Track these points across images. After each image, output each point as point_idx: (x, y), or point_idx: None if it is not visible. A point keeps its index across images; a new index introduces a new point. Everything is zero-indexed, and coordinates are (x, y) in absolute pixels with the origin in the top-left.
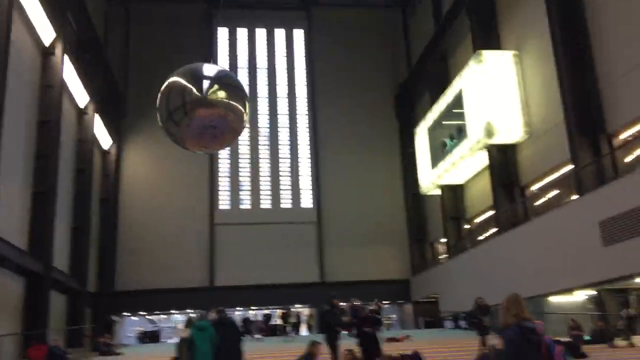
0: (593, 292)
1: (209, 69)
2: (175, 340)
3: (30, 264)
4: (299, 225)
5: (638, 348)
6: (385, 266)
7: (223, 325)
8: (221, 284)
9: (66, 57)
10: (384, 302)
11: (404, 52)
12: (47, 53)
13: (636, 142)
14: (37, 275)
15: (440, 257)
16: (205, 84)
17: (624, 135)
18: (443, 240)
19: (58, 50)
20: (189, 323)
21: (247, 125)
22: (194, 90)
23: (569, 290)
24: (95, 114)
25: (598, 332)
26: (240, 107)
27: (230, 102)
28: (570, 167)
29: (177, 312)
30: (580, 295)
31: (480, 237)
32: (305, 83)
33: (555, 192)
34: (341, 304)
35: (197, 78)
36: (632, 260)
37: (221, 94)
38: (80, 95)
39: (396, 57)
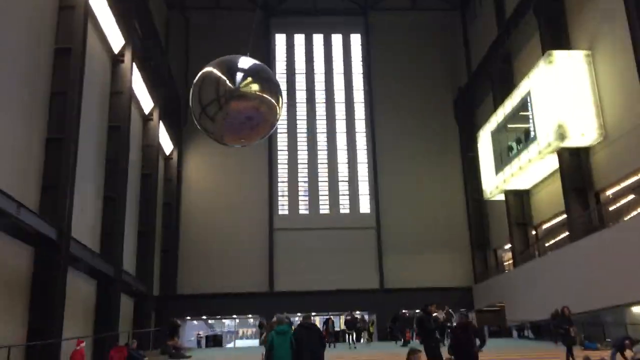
0: None
1: (242, 62)
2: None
3: (102, 267)
4: (357, 230)
5: None
6: (446, 273)
7: (307, 329)
8: (280, 289)
9: (134, 64)
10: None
11: (464, 55)
12: (116, 60)
13: None
14: (108, 278)
15: (504, 264)
16: (239, 76)
17: None
18: (507, 247)
19: (127, 57)
20: (269, 327)
21: (280, 117)
22: (228, 82)
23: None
24: (160, 120)
25: None
26: (273, 100)
27: (264, 95)
28: None
29: (237, 316)
30: None
31: (549, 244)
32: (363, 88)
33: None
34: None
35: (229, 70)
36: None
37: (255, 87)
38: (145, 102)
39: (455, 60)
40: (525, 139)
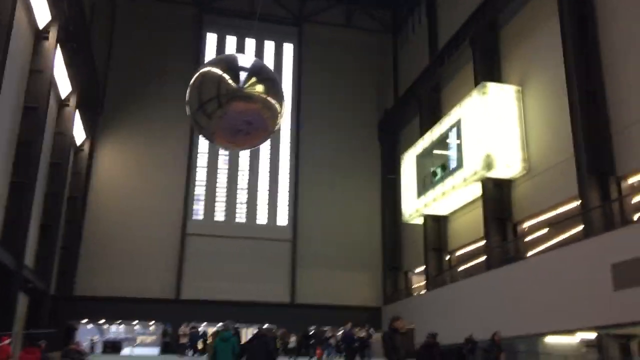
0: (592, 336)
1: (244, 60)
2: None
3: (2, 257)
4: (273, 242)
5: None
6: (357, 292)
7: (258, 339)
8: (188, 297)
9: (58, 43)
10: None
11: (392, 77)
12: (40, 36)
13: None
14: (7, 271)
15: (413, 287)
16: (242, 75)
17: (632, 180)
18: (418, 270)
19: (52, 34)
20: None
21: (280, 125)
22: (231, 81)
23: (571, 332)
24: (76, 107)
25: None
26: (277, 105)
27: (268, 98)
28: (568, 206)
29: (138, 322)
30: (575, 338)
31: (461, 269)
32: (291, 98)
33: (549, 229)
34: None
35: (233, 69)
36: None
37: (259, 88)
38: (63, 86)
39: (384, 82)
40: (450, 166)
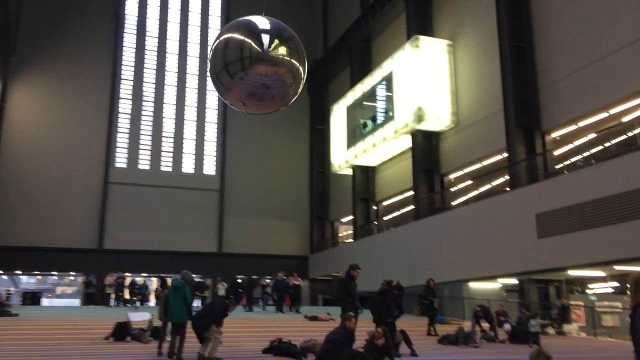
0: (515, 281)
1: (267, 23)
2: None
3: None
4: (200, 191)
5: (572, 336)
6: (285, 241)
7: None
8: (111, 247)
9: None
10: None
11: (321, 27)
12: None
13: (572, 140)
14: None
15: (340, 236)
16: (266, 38)
17: (556, 134)
18: (345, 219)
19: None
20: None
21: (298, 94)
22: (255, 45)
23: (495, 277)
24: None
25: (524, 319)
26: (302, 70)
27: (292, 61)
28: (494, 159)
29: (58, 273)
30: (496, 284)
31: (388, 218)
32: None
33: (477, 181)
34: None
35: (256, 32)
36: (565, 253)
37: (282, 50)
38: None
39: (313, 32)
40: (382, 117)
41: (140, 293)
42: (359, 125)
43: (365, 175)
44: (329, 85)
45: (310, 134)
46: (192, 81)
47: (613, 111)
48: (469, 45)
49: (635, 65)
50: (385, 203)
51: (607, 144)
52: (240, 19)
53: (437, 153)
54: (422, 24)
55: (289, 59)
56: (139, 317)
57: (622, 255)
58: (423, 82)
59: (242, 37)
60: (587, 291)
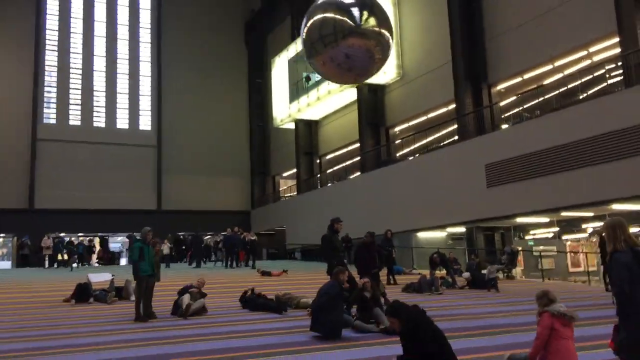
0: (461, 230)
1: None
2: None
3: None
4: (136, 147)
5: (520, 280)
6: (226, 197)
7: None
8: (43, 207)
9: None
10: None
11: None
12: None
13: (517, 92)
14: None
15: (281, 190)
16: (356, 12)
17: (503, 86)
18: (286, 174)
19: None
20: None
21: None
22: (348, 20)
23: (445, 226)
24: None
25: (474, 265)
26: (391, 42)
27: (381, 31)
28: (438, 112)
29: None
30: (442, 233)
31: (330, 171)
32: None
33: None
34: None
35: (347, 8)
36: (513, 201)
37: (371, 22)
38: None
39: None
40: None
41: (76, 252)
42: (301, 79)
43: (308, 128)
44: (268, 37)
45: (249, 87)
46: (122, 32)
47: (557, 64)
48: None
49: (577, 18)
50: (328, 157)
51: (550, 96)
52: None
53: (382, 106)
54: None
55: (377, 30)
56: (100, 277)
57: (565, 203)
58: None
59: (333, 14)
60: (527, 237)
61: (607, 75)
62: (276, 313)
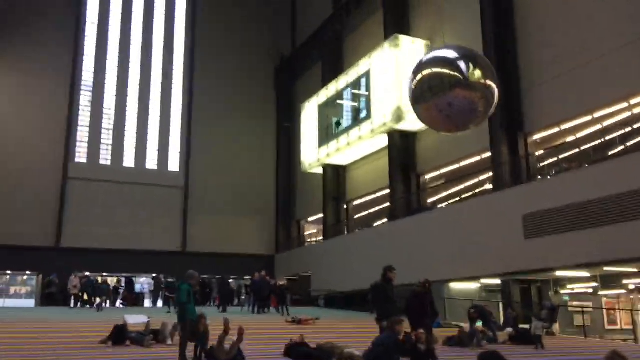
0: (496, 281)
1: (464, 51)
2: None
3: None
4: (163, 188)
5: (560, 337)
6: (251, 240)
7: None
8: (69, 245)
9: None
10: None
11: (290, 24)
12: None
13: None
14: None
15: (306, 234)
16: (463, 65)
17: (539, 136)
18: (312, 219)
19: None
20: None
21: (488, 115)
22: (455, 73)
23: (479, 278)
24: None
25: (511, 319)
26: (495, 93)
27: (487, 83)
28: (470, 160)
29: (11, 272)
30: (475, 284)
31: (359, 217)
32: (185, 39)
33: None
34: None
35: (454, 62)
36: (551, 254)
37: (477, 74)
38: None
39: (281, 28)
40: (356, 116)
41: (101, 294)
42: (331, 124)
43: (336, 174)
44: (298, 82)
45: (277, 132)
46: (156, 74)
47: (597, 115)
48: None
49: (618, 71)
50: (356, 203)
51: (588, 146)
52: (440, 51)
53: (414, 153)
54: (399, 22)
55: (483, 82)
56: (136, 319)
57: (605, 257)
58: (401, 82)
59: (441, 69)
60: (563, 291)
61: None
62: None
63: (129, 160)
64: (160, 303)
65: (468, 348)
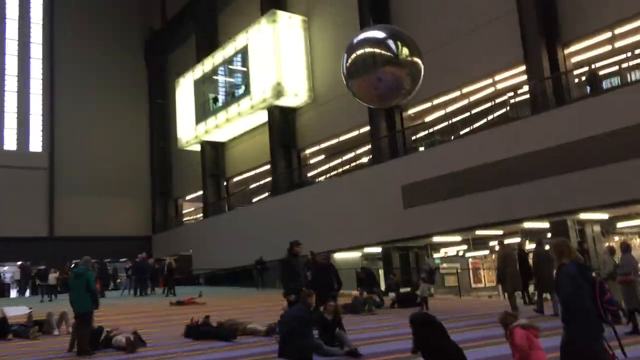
0: (378, 250)
1: (385, 30)
2: None
3: None
4: (25, 170)
5: (436, 298)
6: (126, 221)
7: None
8: None
9: None
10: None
11: None
12: None
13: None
14: None
15: (184, 213)
16: (392, 44)
17: (412, 111)
18: (190, 197)
19: None
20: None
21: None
22: (384, 52)
23: (363, 247)
24: None
25: (394, 284)
26: (422, 71)
27: (414, 60)
28: (350, 135)
29: None
30: (357, 253)
31: (239, 192)
32: (42, 11)
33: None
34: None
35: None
36: (429, 221)
37: (405, 51)
38: None
39: (149, 2)
40: (234, 92)
41: None
42: (208, 100)
43: (215, 150)
44: (170, 57)
45: (149, 108)
46: (12, 48)
47: (465, 90)
48: (325, 20)
49: (486, 47)
50: (237, 179)
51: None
52: (367, 31)
53: (294, 128)
54: None
55: (411, 59)
56: (16, 311)
57: (476, 222)
58: (280, 58)
59: (372, 48)
60: (436, 255)
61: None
62: (225, 341)
63: None
64: (27, 292)
65: (360, 314)
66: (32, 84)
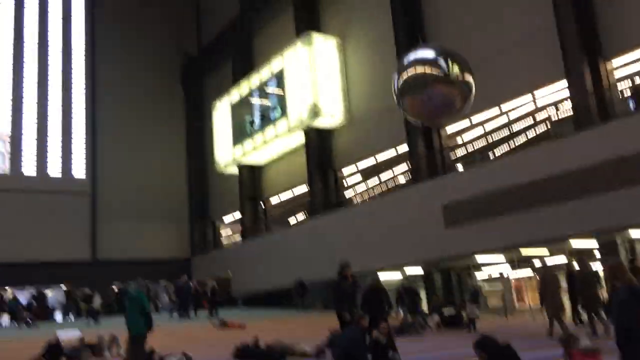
0: (420, 271)
1: (441, 50)
2: None
3: None
4: (69, 196)
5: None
6: (165, 245)
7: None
8: None
9: None
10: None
11: (194, 24)
12: None
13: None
14: None
15: (224, 237)
16: (443, 63)
17: (451, 129)
18: (228, 219)
19: None
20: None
21: (466, 109)
22: (435, 70)
23: (402, 266)
24: None
25: (437, 305)
26: (473, 90)
27: (465, 77)
28: (386, 154)
29: None
30: (397, 274)
31: (278, 216)
32: (84, 42)
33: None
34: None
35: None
36: (471, 240)
37: (456, 70)
38: None
39: (184, 27)
40: (270, 114)
41: (11, 310)
42: (245, 123)
43: (252, 173)
44: (207, 81)
45: (187, 131)
46: (55, 73)
47: (504, 107)
48: (360, 42)
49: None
50: (274, 202)
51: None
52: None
53: (330, 149)
54: (309, 19)
55: (461, 78)
56: (67, 335)
57: (521, 240)
58: (317, 79)
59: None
60: (478, 274)
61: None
62: None
63: (29, 168)
64: (71, 316)
65: (408, 336)
66: (75, 113)
